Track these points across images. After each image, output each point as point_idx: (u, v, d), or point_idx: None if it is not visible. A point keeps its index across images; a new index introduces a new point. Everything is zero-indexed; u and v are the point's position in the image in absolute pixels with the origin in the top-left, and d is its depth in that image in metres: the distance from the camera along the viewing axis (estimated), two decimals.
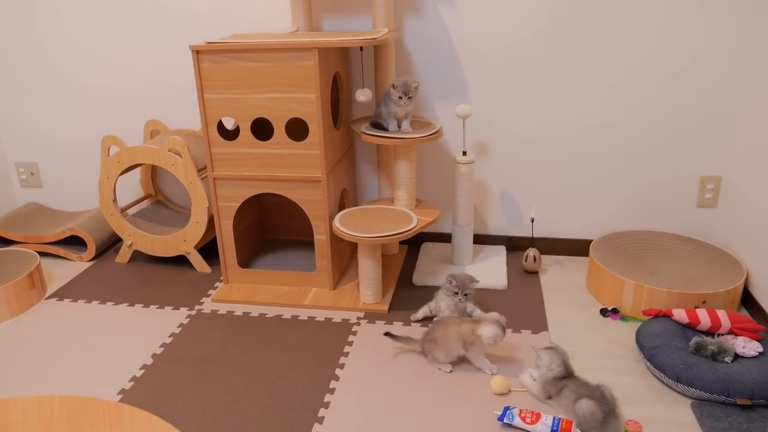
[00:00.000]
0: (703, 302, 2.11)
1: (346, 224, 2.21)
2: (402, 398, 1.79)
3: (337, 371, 1.92)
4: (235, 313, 2.28)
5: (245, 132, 2.23)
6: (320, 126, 2.16)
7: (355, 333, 2.13)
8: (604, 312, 2.22)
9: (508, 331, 2.12)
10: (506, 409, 1.70)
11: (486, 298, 2.33)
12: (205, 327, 2.19)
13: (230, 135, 2.27)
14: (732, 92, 2.36)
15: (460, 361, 1.91)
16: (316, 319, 2.23)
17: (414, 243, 2.79)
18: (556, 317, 2.21)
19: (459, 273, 2.12)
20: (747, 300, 2.24)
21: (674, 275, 2.25)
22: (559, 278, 2.49)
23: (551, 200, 2.64)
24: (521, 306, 2.28)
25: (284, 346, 2.06)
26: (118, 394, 1.84)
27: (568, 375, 1.74)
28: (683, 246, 2.45)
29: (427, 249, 2.73)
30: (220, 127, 2.30)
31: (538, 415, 1.64)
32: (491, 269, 2.52)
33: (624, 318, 2.20)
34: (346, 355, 2.01)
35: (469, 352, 1.87)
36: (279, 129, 2.21)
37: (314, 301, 2.31)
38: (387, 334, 1.99)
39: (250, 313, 2.28)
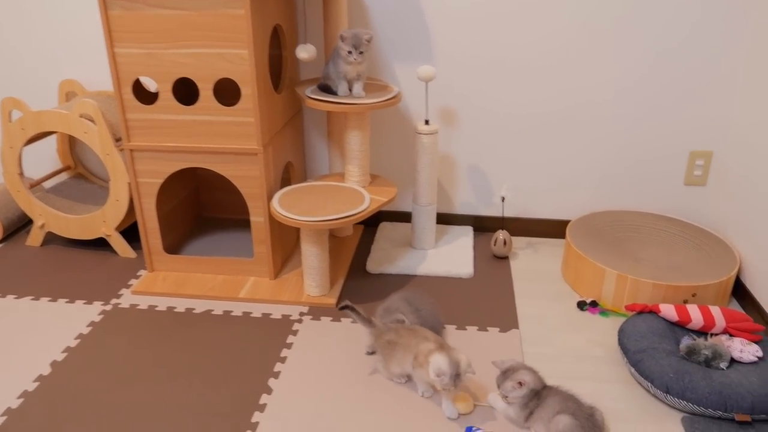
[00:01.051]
0: (693, 295, 1.85)
1: (286, 205, 1.89)
2: (346, 418, 1.51)
3: (271, 382, 1.63)
4: (157, 308, 1.95)
5: (165, 95, 1.88)
6: (254, 88, 1.82)
7: (295, 332, 1.83)
8: (581, 305, 1.96)
9: (473, 329, 1.84)
10: (468, 430, 1.43)
11: (450, 289, 2.05)
12: (120, 326, 1.87)
13: (153, 99, 1.91)
14: (728, 63, 2.08)
15: None
16: (251, 314, 1.92)
17: (370, 223, 2.49)
18: (528, 311, 1.94)
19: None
20: (739, 291, 2.00)
21: (659, 262, 1.99)
22: (532, 264, 2.22)
23: (525, 176, 2.35)
24: (489, 298, 2.00)
25: (212, 349, 1.75)
26: (2, 415, 1.52)
27: (544, 385, 1.47)
28: (669, 228, 2.19)
29: (385, 230, 2.42)
30: (138, 89, 1.95)
31: None
32: (456, 254, 2.23)
33: (604, 312, 1.94)
34: (284, 360, 1.71)
35: (414, 370, 1.55)
36: (206, 91, 1.86)
37: (251, 294, 2.00)
38: (344, 307, 1.67)
39: (175, 307, 1.96)
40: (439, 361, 1.43)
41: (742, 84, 2.07)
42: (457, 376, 1.42)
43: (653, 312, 1.76)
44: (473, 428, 1.43)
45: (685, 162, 2.25)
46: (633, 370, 1.62)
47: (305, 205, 1.89)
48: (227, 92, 1.95)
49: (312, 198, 1.94)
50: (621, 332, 1.72)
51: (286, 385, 1.61)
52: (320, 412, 1.52)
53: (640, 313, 1.78)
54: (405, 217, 2.47)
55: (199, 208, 2.51)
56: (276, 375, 1.65)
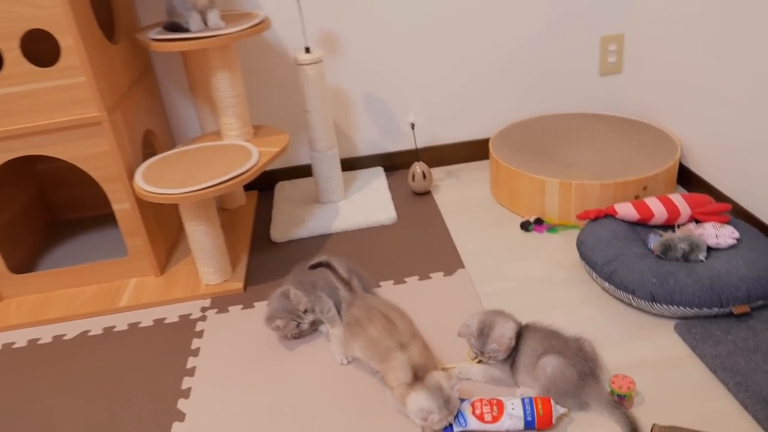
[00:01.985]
0: (644, 189, 1.65)
1: (153, 179, 1.49)
2: (281, 426, 1.17)
3: (182, 404, 1.26)
4: (15, 345, 1.51)
5: None
6: (77, 37, 1.38)
7: (200, 334, 1.45)
8: (525, 226, 1.71)
9: (413, 279, 1.55)
10: None
11: (374, 240, 1.74)
12: None
13: None
14: None
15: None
16: (140, 324, 1.52)
17: (264, 186, 2.11)
18: (469, 246, 1.66)
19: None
20: (683, 177, 1.83)
21: (595, 163, 1.77)
22: (458, 194, 1.95)
23: (430, 99, 2.05)
24: (421, 241, 1.71)
25: (97, 382, 1.35)
26: None
27: (519, 326, 1.20)
28: (595, 125, 1.98)
29: (284, 190, 2.06)
30: None
31: (500, 404, 1.09)
32: (372, 200, 1.92)
33: (552, 229, 1.70)
34: (192, 372, 1.34)
35: (385, 387, 1.17)
36: (11, 52, 1.39)
37: (135, 299, 1.59)
38: (317, 265, 1.31)
39: (39, 339, 1.52)
40: (419, 403, 1.07)
41: None
42: (446, 402, 1.07)
43: (609, 215, 1.54)
44: None
45: (597, 50, 2.03)
46: (606, 284, 1.39)
47: (178, 175, 1.49)
48: (38, 51, 1.49)
49: (185, 165, 1.54)
50: (581, 245, 1.48)
51: (201, 403, 1.25)
52: (248, 426, 1.17)
53: (595, 219, 1.55)
54: (304, 171, 2.12)
55: (51, 212, 2.02)
56: (186, 394, 1.28)
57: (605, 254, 1.41)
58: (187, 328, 1.48)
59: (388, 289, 1.52)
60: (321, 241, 1.76)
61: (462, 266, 1.58)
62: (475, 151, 2.12)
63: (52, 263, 1.77)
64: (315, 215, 1.87)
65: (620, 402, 1.10)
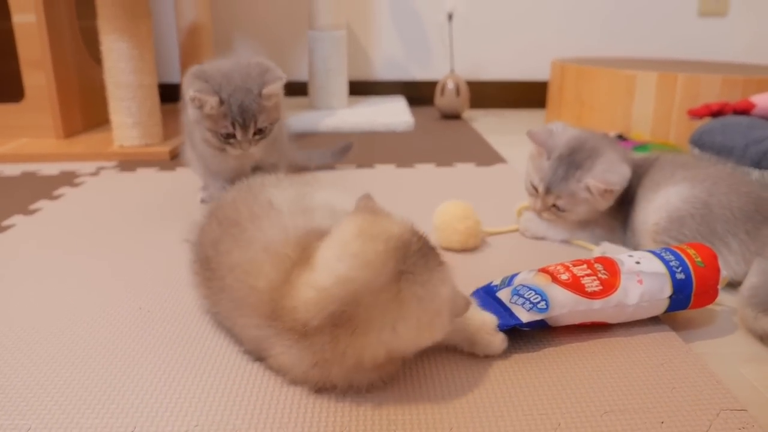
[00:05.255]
0: None
1: None
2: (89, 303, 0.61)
3: None
4: None
5: None
6: None
7: (77, 185, 0.91)
8: None
9: (426, 167, 1.00)
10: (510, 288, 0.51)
11: (376, 141, 1.21)
12: None
13: None
14: None
15: None
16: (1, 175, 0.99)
17: None
18: (513, 151, 1.12)
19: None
20: None
21: None
22: (502, 123, 1.43)
23: (475, 16, 1.57)
24: (448, 143, 1.18)
25: None
26: None
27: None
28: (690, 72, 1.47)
29: None
30: None
31: (609, 261, 0.50)
32: (383, 109, 1.40)
33: (642, 146, 1.15)
34: (30, 213, 0.79)
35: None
36: None
37: (13, 150, 1.07)
38: None
39: None
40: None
41: None
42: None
43: (741, 112, 1.00)
44: (514, 279, 0.53)
45: None
46: (756, 172, 0.82)
47: None
48: None
49: None
50: (702, 135, 0.93)
51: (11, 245, 0.69)
52: (48, 287, 0.61)
53: (717, 115, 1.00)
54: (298, 89, 1.61)
55: None
56: (1, 229, 0.73)
57: (749, 136, 0.86)
58: (62, 179, 0.94)
59: (380, 171, 0.97)
60: (300, 141, 1.23)
61: (502, 160, 1.03)
62: (528, 94, 1.61)
63: None
64: (302, 116, 1.35)
65: None
